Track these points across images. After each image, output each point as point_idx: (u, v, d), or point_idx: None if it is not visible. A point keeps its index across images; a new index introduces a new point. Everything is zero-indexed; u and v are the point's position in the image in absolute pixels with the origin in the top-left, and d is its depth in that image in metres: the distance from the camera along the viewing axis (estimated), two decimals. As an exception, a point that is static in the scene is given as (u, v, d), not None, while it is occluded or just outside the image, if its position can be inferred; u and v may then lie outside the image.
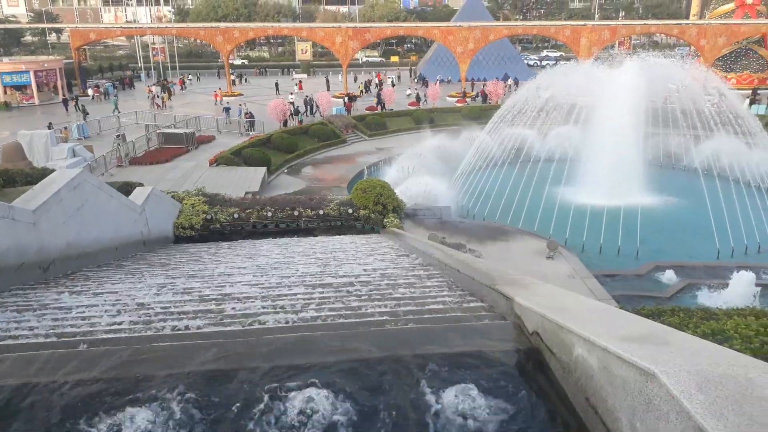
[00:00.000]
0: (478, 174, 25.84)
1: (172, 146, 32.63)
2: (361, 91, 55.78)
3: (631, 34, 66.43)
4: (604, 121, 25.14)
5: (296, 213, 19.40)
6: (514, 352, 5.33)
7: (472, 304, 7.28)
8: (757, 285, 14.79)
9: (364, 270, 10.54)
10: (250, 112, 40.06)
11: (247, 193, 23.09)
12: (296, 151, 33.26)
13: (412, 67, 74.98)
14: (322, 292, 8.35)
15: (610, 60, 27.54)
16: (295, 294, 8.31)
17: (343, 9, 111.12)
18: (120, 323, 6.89)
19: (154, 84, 58.77)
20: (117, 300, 8.30)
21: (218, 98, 50.80)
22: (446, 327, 5.94)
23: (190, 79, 67.82)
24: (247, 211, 19.41)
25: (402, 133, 39.92)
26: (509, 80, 57.35)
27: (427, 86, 55.68)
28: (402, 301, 7.60)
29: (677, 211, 23.22)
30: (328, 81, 57.48)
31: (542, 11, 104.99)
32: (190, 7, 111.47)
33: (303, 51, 79.87)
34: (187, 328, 6.42)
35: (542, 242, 17.50)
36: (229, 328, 6.30)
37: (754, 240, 19.90)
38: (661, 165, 29.53)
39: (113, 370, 4.75)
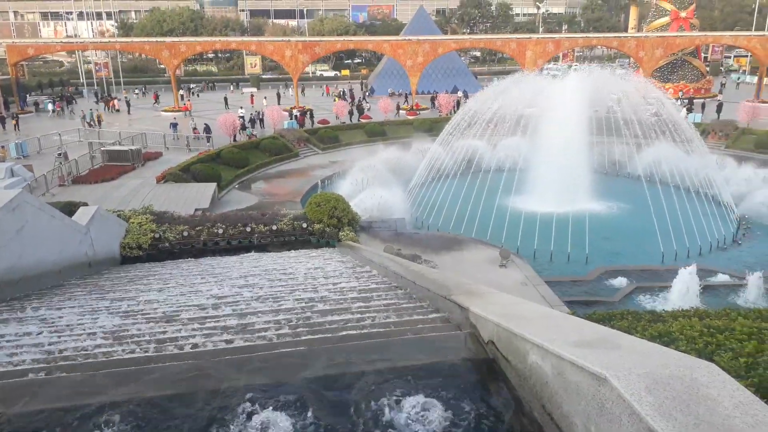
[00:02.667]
0: (431, 185, 26.10)
1: (118, 164, 31.67)
2: (337, 97, 56.55)
3: (573, 47, 68.79)
4: (551, 131, 25.85)
5: (248, 229, 19.07)
6: (471, 362, 5.35)
7: (428, 316, 7.29)
8: (699, 286, 15.43)
9: (319, 285, 10.44)
10: (207, 125, 39.32)
11: (196, 210, 22.58)
12: (247, 166, 32.81)
13: (363, 81, 75.40)
14: (276, 310, 8.21)
15: (555, 72, 28.35)
16: (252, 313, 8.15)
17: (292, 23, 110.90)
18: (62, 351, 6.58)
19: (95, 101, 57.41)
20: (54, 326, 7.96)
21: (187, 109, 51.37)
22: (403, 340, 5.92)
23: (136, 94, 66.15)
24: (197, 228, 18.97)
25: (355, 146, 39.98)
26: (459, 93, 58.38)
27: (352, 100, 56.26)
28: (358, 316, 7.55)
29: (623, 217, 24.01)
30: (279, 95, 57.14)
31: (488, 25, 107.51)
32: (134, 21, 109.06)
33: (252, 65, 79.25)
34: (132, 352, 6.19)
35: (495, 251, 17.75)
36: (172, 352, 6.11)
37: (696, 243, 20.78)
38: (606, 172, 30.54)
39: (57, 400, 4.53)
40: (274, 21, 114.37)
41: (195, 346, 6.31)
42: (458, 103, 47.93)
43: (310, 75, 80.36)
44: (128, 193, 26.15)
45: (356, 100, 54.48)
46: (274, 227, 19.18)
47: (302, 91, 62.37)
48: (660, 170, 25.74)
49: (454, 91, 60.69)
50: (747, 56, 73.10)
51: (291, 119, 44.47)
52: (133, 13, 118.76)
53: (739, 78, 69.53)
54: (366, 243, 18.86)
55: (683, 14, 57.58)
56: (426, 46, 50.89)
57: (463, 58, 78.41)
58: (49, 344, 7.02)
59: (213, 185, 27.04)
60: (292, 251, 17.56)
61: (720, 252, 21.21)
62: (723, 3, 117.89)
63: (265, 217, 19.93)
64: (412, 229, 22.48)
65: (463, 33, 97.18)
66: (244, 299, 9.26)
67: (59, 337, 7.38)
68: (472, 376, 5.18)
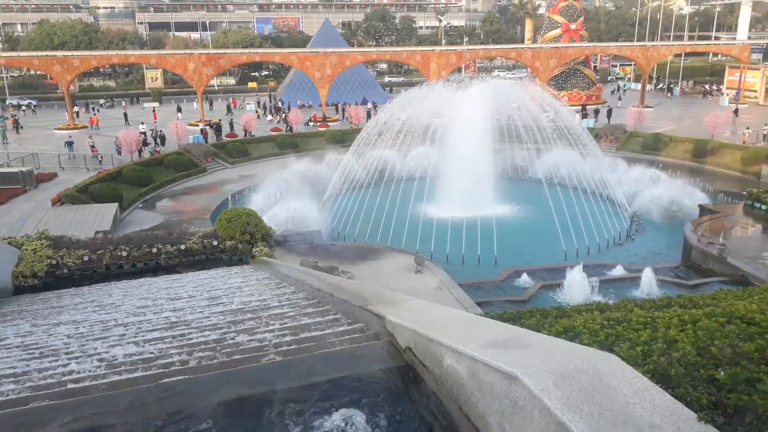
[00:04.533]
0: (345, 196, 26.14)
1: (7, 187, 29.23)
2: (258, 115, 55.29)
3: (475, 58, 71.47)
4: (458, 140, 26.69)
5: (155, 250, 18.21)
6: (389, 371, 5.38)
7: (346, 328, 7.27)
8: (590, 281, 16.42)
9: (231, 304, 10.13)
10: (119, 144, 36.55)
11: (97, 232, 21.29)
12: (151, 184, 31.36)
13: (272, 93, 74.44)
14: (188, 335, 7.87)
15: (459, 82, 29.34)
16: (159, 339, 7.76)
17: (195, 35, 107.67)
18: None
19: None
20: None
21: (93, 123, 49.62)
22: (321, 355, 5.86)
23: (23, 111, 61.50)
24: (99, 252, 17.88)
25: (265, 159, 39.31)
26: (369, 104, 58.98)
27: (276, 112, 55.61)
28: (275, 333, 7.39)
29: (527, 219, 25.16)
30: (180, 109, 55.01)
31: (393, 37, 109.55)
32: (21, 34, 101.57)
33: (153, 79, 76.00)
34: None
35: (410, 258, 18.02)
36: (79, 385, 5.71)
37: (594, 240, 22.13)
38: (510, 177, 31.89)
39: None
40: (176, 34, 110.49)
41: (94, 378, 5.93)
42: (369, 114, 48.46)
43: (216, 88, 78.31)
44: (20, 218, 24.21)
45: (282, 113, 54.04)
46: (183, 247, 18.44)
47: (210, 104, 60.64)
48: (559, 173, 27.22)
49: (364, 102, 61.26)
50: (631, 65, 79.14)
51: (212, 130, 43.86)
52: (19, 26, 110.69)
53: (625, 85, 75.09)
54: (281, 258, 18.56)
55: (573, 26, 61.47)
56: (333, 58, 51.05)
57: (370, 70, 79.42)
58: None
59: (114, 206, 25.63)
60: (203, 271, 16.95)
61: (616, 247, 22.72)
62: (608, 16, 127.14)
63: (173, 236, 19.13)
64: (328, 240, 22.38)
65: (369, 45, 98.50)
66: (147, 326, 8.80)
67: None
68: (391, 385, 5.21)
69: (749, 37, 78.70)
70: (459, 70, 65.66)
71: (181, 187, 32.64)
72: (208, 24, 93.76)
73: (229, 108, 58.19)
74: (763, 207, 22.43)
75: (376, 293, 8.04)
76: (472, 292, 16.30)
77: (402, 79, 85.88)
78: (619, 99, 61.55)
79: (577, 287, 15.96)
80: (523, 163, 32.76)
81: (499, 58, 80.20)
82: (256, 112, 57.40)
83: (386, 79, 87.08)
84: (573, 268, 16.56)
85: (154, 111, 56.46)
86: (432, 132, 28.54)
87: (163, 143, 40.06)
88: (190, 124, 46.78)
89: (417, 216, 23.08)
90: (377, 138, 28.44)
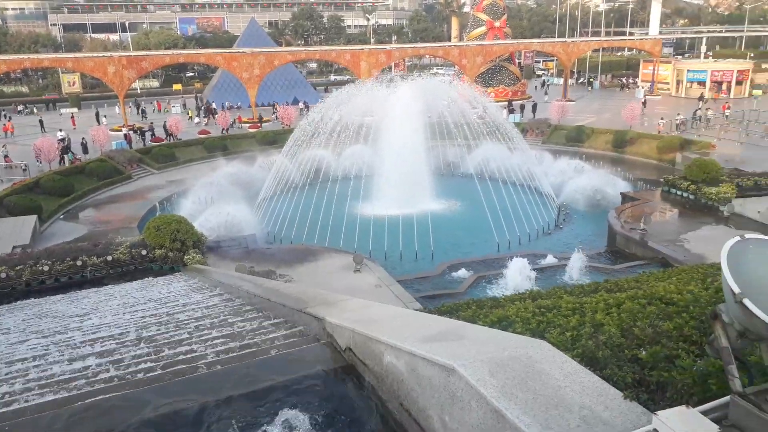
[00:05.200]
0: (280, 198, 25.78)
1: None
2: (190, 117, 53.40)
3: (404, 57, 72.16)
4: (391, 137, 26.88)
5: (80, 263, 17.34)
6: (330, 372, 5.36)
7: (284, 332, 7.18)
8: (532, 269, 17.01)
9: (162, 315, 9.79)
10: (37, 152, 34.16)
11: (15, 247, 20.05)
12: (73, 194, 29.81)
13: (198, 95, 72.42)
14: (117, 350, 7.54)
15: (390, 81, 29.56)
16: (84, 355, 7.39)
17: (114, 37, 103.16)
18: None
19: None
20: None
21: (7, 130, 46.69)
22: (261, 360, 5.76)
23: None
24: (18, 268, 16.84)
25: (194, 163, 38.17)
26: (300, 103, 58.42)
27: (210, 113, 54.25)
28: (210, 342, 7.20)
29: (461, 213, 25.69)
30: (98, 114, 52.47)
31: (322, 37, 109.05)
32: None
33: (71, 83, 72.24)
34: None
35: (349, 257, 18.00)
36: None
37: (525, 231, 22.86)
38: (443, 173, 32.41)
39: None
40: (93, 35, 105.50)
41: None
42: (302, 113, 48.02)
43: (139, 92, 75.38)
44: (-76, 236, 22.43)
45: (214, 114, 52.62)
46: (110, 258, 17.66)
47: (138, 108, 58.21)
48: (489, 168, 27.92)
49: (295, 102, 60.65)
50: (553, 60, 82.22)
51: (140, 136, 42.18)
52: None
53: (548, 80, 77.98)
54: (215, 264, 18.11)
55: (497, 24, 63.18)
56: (261, 58, 50.22)
57: (300, 70, 78.67)
58: None
59: (33, 218, 24.20)
60: (133, 282, 16.28)
61: (546, 237, 23.56)
62: (530, 13, 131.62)
63: (98, 247, 18.29)
64: (264, 244, 22.02)
65: (298, 45, 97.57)
66: (72, 343, 8.36)
67: None
68: (332, 386, 5.19)
69: (660, 32, 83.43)
70: (389, 68, 66.08)
71: (106, 196, 31.21)
72: (127, 25, 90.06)
73: (143, 112, 56.08)
74: (679, 193, 23.86)
75: (314, 295, 7.99)
76: (410, 287, 16.48)
77: (347, 77, 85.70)
78: (546, 93, 63.81)
79: (510, 277, 16.45)
80: (456, 159, 33.39)
81: (427, 56, 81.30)
82: (188, 114, 55.63)
83: (332, 77, 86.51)
84: (508, 258, 17.04)
85: (72, 117, 53.68)
86: (365, 130, 28.62)
87: (86, 151, 38.11)
88: (113, 130, 44.80)
89: (354, 215, 23.08)
90: (311, 138, 28.21)
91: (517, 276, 16.30)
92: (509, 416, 3.29)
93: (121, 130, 44.37)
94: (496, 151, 29.31)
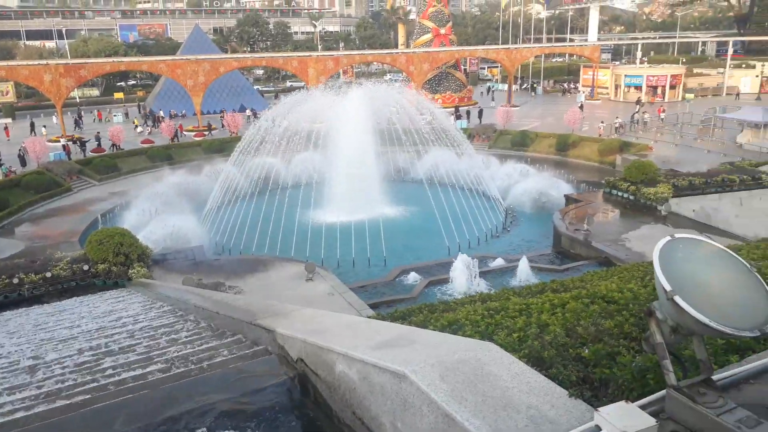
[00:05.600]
0: (228, 207, 25.33)
1: None
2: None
3: (352, 63, 72.27)
4: (340, 144, 26.86)
5: (16, 281, 16.53)
6: (281, 384, 5.30)
7: (234, 345, 7.05)
8: (482, 272, 17.32)
9: (104, 334, 9.43)
10: None
11: (-56, 266, 18.93)
12: (8, 208, 28.45)
13: (140, 103, 70.43)
14: (53, 375, 7.20)
15: (339, 87, 29.57)
16: (17, 387, 7.04)
17: (50, 44, 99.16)
18: None
19: None
20: None
21: None
22: (210, 376, 5.64)
23: None
24: (-52, 288, 15.92)
25: (138, 174, 37.07)
26: (247, 111, 57.65)
27: (158, 122, 52.91)
28: (155, 360, 6.99)
29: (412, 218, 25.89)
30: (33, 125, 50.19)
31: (269, 43, 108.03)
32: None
33: (4, 92, 68.99)
34: None
35: (300, 266, 17.85)
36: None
37: (474, 234, 23.25)
38: (393, 179, 32.58)
39: None
40: (27, 43, 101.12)
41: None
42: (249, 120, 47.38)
43: (78, 101, 72.68)
44: None
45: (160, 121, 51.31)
46: (49, 274, 16.92)
47: (79, 117, 55.99)
48: (438, 173, 28.29)
49: (242, 109, 59.81)
50: (497, 67, 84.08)
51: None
52: None
53: (493, 86, 79.75)
54: (161, 278, 17.61)
55: (443, 31, 64.15)
56: (206, 65, 49.31)
57: (246, 77, 77.65)
58: None
59: (-36, 235, 22.95)
60: (74, 298, 15.64)
61: (495, 239, 24.03)
62: (474, 20, 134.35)
63: (36, 264, 17.50)
64: (212, 255, 21.56)
65: (244, 51, 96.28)
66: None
67: None
68: (284, 398, 5.13)
69: (599, 39, 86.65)
70: (338, 75, 66.14)
71: (44, 210, 29.90)
72: (64, 32, 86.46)
73: (77, 122, 54.09)
74: (620, 193, 24.78)
75: (265, 307, 7.88)
76: (363, 294, 16.50)
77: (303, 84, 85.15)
78: (493, 99, 65.12)
79: (461, 280, 16.69)
80: (406, 165, 33.66)
81: (375, 63, 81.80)
82: (134, 122, 53.84)
83: (288, 84, 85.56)
84: (457, 262, 17.29)
85: (6, 128, 51.18)
86: (315, 137, 28.51)
87: (24, 164, 36.41)
88: (51, 140, 43.03)
89: (305, 223, 22.92)
90: (259, 145, 27.85)
91: (468, 279, 16.56)
92: (459, 419, 3.34)
93: (59, 141, 42.66)
94: (444, 157, 29.73)
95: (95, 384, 6.24)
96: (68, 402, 5.54)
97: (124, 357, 7.46)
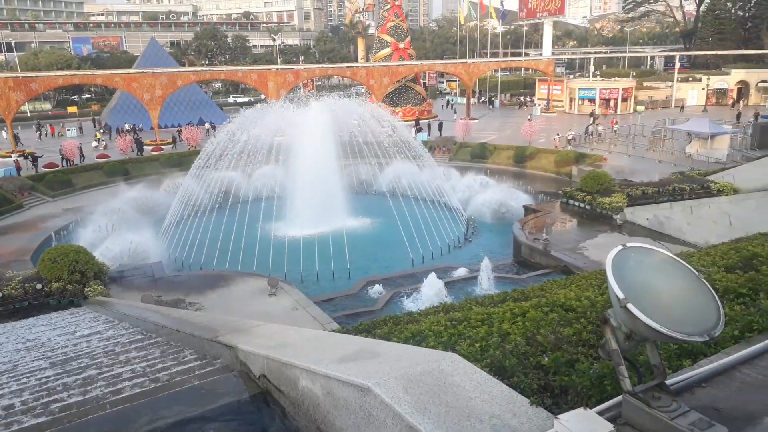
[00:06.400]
0: (188, 222, 24.87)
1: None
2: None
3: (312, 77, 72.35)
4: (302, 157, 26.76)
5: (-37, 302, 15.84)
6: (243, 402, 5.22)
7: (194, 363, 6.91)
8: (445, 282, 17.46)
9: (57, 357, 9.11)
10: None
11: None
12: (-46, 227, 27.29)
13: (95, 117, 68.74)
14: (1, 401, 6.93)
15: (299, 101, 29.49)
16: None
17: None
18: None
19: None
20: None
21: None
22: (169, 395, 5.51)
23: None
24: None
25: (93, 189, 36.11)
26: (206, 124, 56.93)
27: (121, 134, 51.72)
28: (111, 381, 6.78)
29: (376, 230, 25.95)
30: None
31: (227, 57, 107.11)
32: None
33: (-52, 106, 66.28)
34: None
35: (263, 281, 17.65)
36: None
37: (437, 245, 23.44)
38: (356, 191, 32.64)
39: None
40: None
41: None
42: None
43: (29, 114, 70.46)
44: None
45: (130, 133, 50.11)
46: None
47: (40, 132, 54.02)
48: (400, 185, 28.47)
49: (201, 123, 59.05)
50: (456, 81, 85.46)
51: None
52: None
53: (452, 100, 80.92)
54: (119, 295, 17.14)
55: (402, 45, 64.92)
56: (163, 78, 48.55)
57: (204, 89, 76.74)
58: None
59: None
60: (26, 319, 15.05)
61: (457, 250, 24.27)
62: (432, 35, 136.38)
63: (-15, 284, 16.79)
64: (172, 272, 21.10)
65: (202, 64, 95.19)
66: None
67: None
68: (246, 416, 5.05)
69: (553, 53, 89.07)
70: (298, 88, 65.96)
71: (-7, 228, 28.78)
72: (14, 44, 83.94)
73: (16, 137, 52.30)
74: (576, 203, 25.40)
75: (226, 323, 7.75)
76: (328, 307, 16.41)
77: (263, 97, 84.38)
78: (455, 113, 65.99)
79: (424, 292, 16.79)
80: (368, 177, 33.76)
81: (335, 76, 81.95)
82: (96, 136, 52.09)
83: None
84: (422, 274, 17.39)
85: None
86: (276, 150, 28.33)
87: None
88: (1, 156, 41.53)
89: (267, 237, 22.67)
90: (218, 159, 27.51)
91: (432, 290, 16.68)
92: (423, 431, 3.35)
93: (10, 157, 41.22)
94: (406, 169, 29.95)
95: (42, 409, 6.01)
96: (10, 430, 5.32)
97: (72, 379, 7.21)
